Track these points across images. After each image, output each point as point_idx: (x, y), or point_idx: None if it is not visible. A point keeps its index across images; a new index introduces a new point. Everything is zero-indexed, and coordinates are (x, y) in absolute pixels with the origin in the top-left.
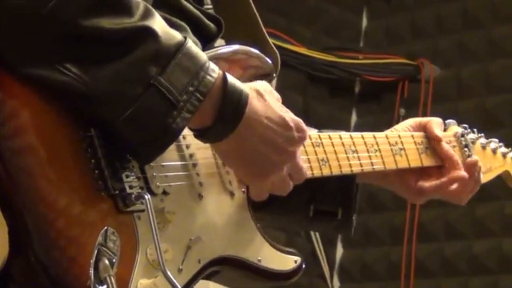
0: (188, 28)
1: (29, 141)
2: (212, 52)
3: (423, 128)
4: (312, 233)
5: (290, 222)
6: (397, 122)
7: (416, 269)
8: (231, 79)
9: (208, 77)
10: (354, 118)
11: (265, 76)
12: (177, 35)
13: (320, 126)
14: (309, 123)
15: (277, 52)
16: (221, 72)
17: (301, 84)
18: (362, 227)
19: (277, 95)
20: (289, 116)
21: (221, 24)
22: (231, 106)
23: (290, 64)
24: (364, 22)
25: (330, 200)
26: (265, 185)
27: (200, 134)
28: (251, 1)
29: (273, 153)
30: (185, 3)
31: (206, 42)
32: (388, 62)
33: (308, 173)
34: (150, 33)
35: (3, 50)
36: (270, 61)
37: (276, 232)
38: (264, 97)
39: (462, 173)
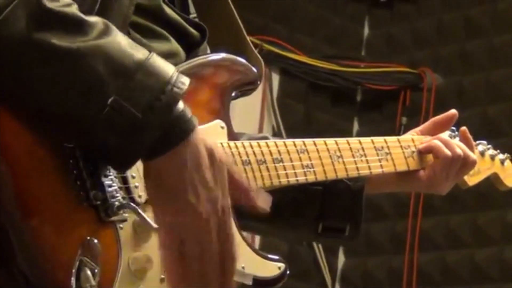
0: (169, 37)
1: (10, 150)
2: (196, 60)
3: (432, 129)
4: None
5: (297, 237)
6: (399, 130)
7: (418, 278)
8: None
9: (176, 89)
10: (356, 126)
11: (250, 84)
12: (137, 54)
13: (321, 135)
14: (311, 132)
15: (261, 60)
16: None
17: (303, 92)
18: (363, 235)
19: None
20: (221, 196)
21: (205, 31)
22: (181, 120)
23: (291, 73)
24: (366, 30)
25: (339, 217)
26: (172, 223)
27: None
28: (234, 11)
29: (192, 195)
30: (169, 10)
31: (190, 49)
32: (390, 71)
33: (292, 179)
34: (102, 52)
35: None
36: (254, 69)
37: (277, 240)
38: (215, 152)
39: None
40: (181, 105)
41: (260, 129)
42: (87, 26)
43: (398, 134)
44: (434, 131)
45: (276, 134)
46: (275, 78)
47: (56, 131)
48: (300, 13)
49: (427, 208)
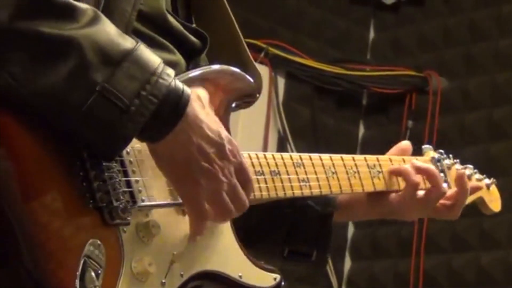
0: (171, 47)
1: (14, 149)
2: (198, 71)
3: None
4: None
5: (264, 259)
6: (405, 134)
7: (424, 281)
8: (176, 81)
9: (161, 80)
10: (361, 130)
11: (248, 96)
12: (124, 43)
13: (327, 138)
14: (317, 135)
15: (260, 72)
16: (174, 77)
17: (308, 96)
18: (370, 239)
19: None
20: (222, 130)
21: (206, 39)
22: (169, 105)
23: (297, 76)
24: (371, 34)
25: (306, 242)
26: (195, 196)
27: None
28: (234, 21)
29: (203, 161)
30: (171, 19)
31: (191, 57)
32: (395, 74)
33: (289, 193)
34: (89, 42)
35: None
36: (253, 81)
37: None
38: (203, 103)
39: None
40: (172, 84)
41: (266, 133)
42: (77, 13)
43: (404, 138)
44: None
45: (282, 138)
46: (281, 82)
47: (44, 116)
48: (306, 17)
49: None
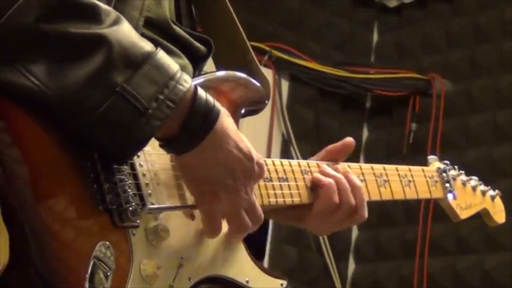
0: (177, 51)
1: (27, 151)
2: (202, 78)
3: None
4: (323, 247)
5: None
6: (409, 136)
7: (428, 284)
8: (201, 92)
9: (179, 86)
10: (365, 133)
11: (256, 103)
12: (145, 46)
13: (331, 141)
14: (321, 138)
15: (267, 78)
16: (193, 84)
17: (312, 99)
18: (373, 241)
19: None
20: (253, 149)
21: (211, 45)
22: (199, 117)
23: (301, 79)
24: (375, 37)
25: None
26: (215, 211)
27: (164, 144)
28: (240, 27)
29: (229, 177)
30: (174, 26)
31: (197, 63)
32: (399, 77)
33: (296, 200)
34: (115, 41)
35: None
36: (261, 87)
37: (287, 247)
38: (234, 123)
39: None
40: (202, 97)
41: (270, 136)
42: (102, 13)
43: (408, 140)
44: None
45: (286, 140)
46: (285, 85)
47: (63, 117)
48: (309, 20)
49: (437, 214)
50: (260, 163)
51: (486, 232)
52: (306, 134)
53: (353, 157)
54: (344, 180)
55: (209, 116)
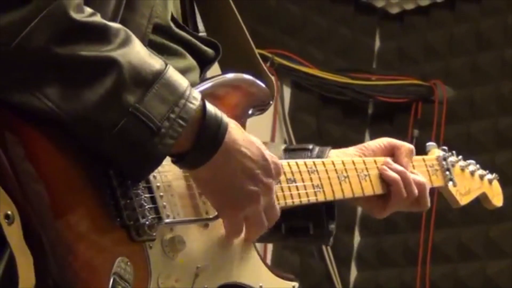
0: (185, 53)
1: (44, 168)
2: (210, 82)
3: (391, 152)
4: (325, 253)
5: (269, 239)
6: (411, 143)
7: None
8: (210, 107)
9: (190, 104)
10: (367, 139)
11: (263, 104)
12: (155, 65)
13: (333, 147)
14: (323, 145)
15: (273, 79)
16: (200, 100)
17: (314, 105)
18: (375, 248)
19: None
20: (265, 150)
21: (218, 48)
22: (210, 133)
23: (303, 86)
24: (377, 43)
25: (299, 217)
26: (239, 218)
27: (177, 160)
28: (244, 29)
29: (250, 183)
30: (178, 31)
31: (204, 66)
32: (401, 83)
33: (304, 199)
34: (126, 62)
35: None
36: (266, 88)
37: (289, 253)
38: (243, 130)
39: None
40: (211, 112)
41: (272, 142)
42: (111, 34)
43: None
44: (388, 153)
45: None
46: (287, 91)
47: (77, 137)
48: (312, 26)
49: (440, 221)
50: (275, 161)
51: (488, 238)
52: (308, 141)
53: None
54: (407, 174)
55: (219, 131)
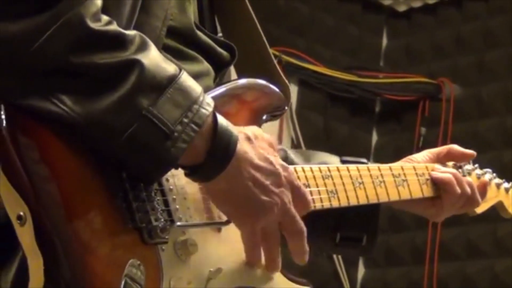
0: (200, 58)
1: (57, 169)
2: (224, 87)
3: (445, 156)
4: None
5: (316, 248)
6: (418, 141)
7: None
8: (221, 119)
9: (203, 110)
10: (374, 137)
11: (277, 108)
12: (169, 69)
13: (340, 146)
14: (330, 143)
15: (288, 84)
16: (213, 109)
17: (322, 103)
18: (383, 246)
19: (267, 138)
20: (276, 159)
21: (234, 51)
22: (222, 145)
23: (310, 84)
24: (384, 41)
25: (356, 227)
26: (255, 230)
27: (190, 172)
28: (261, 33)
29: (262, 194)
30: (197, 32)
31: (220, 69)
32: (408, 81)
33: (318, 205)
34: (139, 66)
35: None
36: (281, 93)
37: None
38: (252, 141)
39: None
40: (222, 121)
41: (279, 141)
42: (127, 41)
43: (417, 145)
44: (445, 158)
45: (295, 146)
46: (294, 90)
47: (90, 140)
48: (319, 25)
49: (447, 219)
50: (288, 171)
51: (495, 236)
52: (315, 139)
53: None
54: (459, 174)
55: (230, 141)
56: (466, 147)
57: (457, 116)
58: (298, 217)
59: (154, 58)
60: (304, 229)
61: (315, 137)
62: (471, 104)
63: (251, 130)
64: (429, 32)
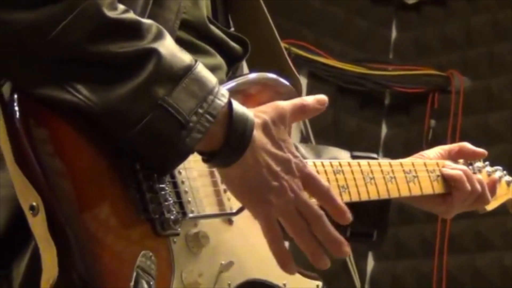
0: (213, 51)
1: (70, 161)
2: (234, 82)
3: (456, 154)
4: None
5: None
6: (428, 133)
7: (448, 281)
8: (237, 105)
9: (218, 100)
10: (384, 129)
11: None
12: (185, 59)
13: (350, 138)
14: (339, 136)
15: (300, 79)
16: (228, 98)
17: (331, 96)
18: (393, 239)
19: (284, 121)
20: (289, 145)
21: (247, 44)
22: (238, 132)
23: (319, 76)
24: (394, 33)
25: (367, 223)
26: (270, 217)
27: (208, 159)
28: (273, 27)
29: (273, 180)
30: (210, 25)
31: (232, 63)
32: (418, 74)
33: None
34: (157, 55)
35: (12, 71)
36: (292, 87)
37: None
38: (269, 127)
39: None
40: (238, 108)
41: (288, 134)
42: (144, 30)
43: (427, 137)
44: (457, 156)
45: (305, 138)
46: (303, 82)
47: (106, 129)
48: (328, 17)
49: None
50: (298, 158)
51: (505, 228)
52: (325, 132)
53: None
54: (469, 171)
55: (246, 128)
56: (475, 140)
57: (467, 109)
58: (310, 202)
59: (170, 48)
60: (321, 213)
61: (325, 129)
62: (480, 96)
63: (270, 114)
64: (439, 24)
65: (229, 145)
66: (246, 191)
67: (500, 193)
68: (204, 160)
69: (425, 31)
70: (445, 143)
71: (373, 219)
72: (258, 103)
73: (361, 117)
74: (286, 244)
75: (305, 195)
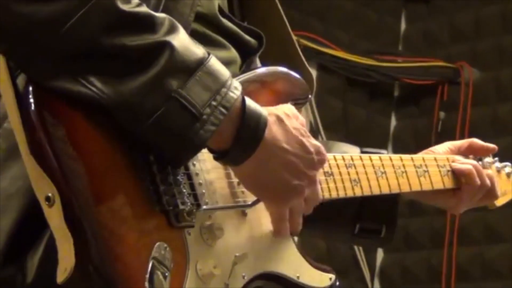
0: (227, 44)
1: (85, 151)
2: (249, 74)
3: (466, 149)
4: None
5: (334, 238)
6: (437, 125)
7: (457, 273)
8: (250, 102)
9: (231, 93)
10: (393, 121)
11: (300, 96)
12: (198, 52)
13: (359, 130)
14: (349, 127)
15: (312, 73)
16: (241, 94)
17: (340, 88)
18: (402, 231)
19: (301, 119)
20: (309, 140)
21: (262, 38)
22: (249, 131)
23: (329, 68)
24: (403, 25)
25: (375, 219)
26: (284, 211)
27: (219, 157)
28: (286, 21)
29: (294, 178)
30: (224, 20)
31: (246, 57)
32: (427, 66)
33: (342, 193)
34: (170, 48)
35: (27, 62)
36: (303, 81)
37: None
38: (284, 122)
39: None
40: (250, 103)
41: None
42: (157, 24)
43: (436, 129)
44: (466, 151)
45: (314, 130)
46: (313, 74)
47: (119, 121)
48: (337, 9)
49: None
50: (319, 151)
51: None
52: (334, 123)
53: (380, 147)
54: (479, 166)
55: (259, 126)
56: (484, 132)
57: (476, 100)
58: (319, 193)
59: (183, 41)
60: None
61: (334, 121)
62: (490, 88)
63: (283, 109)
64: (448, 16)
65: (241, 143)
66: (261, 188)
67: (509, 188)
68: (215, 158)
69: (434, 22)
70: (454, 135)
71: (381, 215)
72: (271, 96)
73: (370, 109)
74: (296, 239)
75: (319, 188)
